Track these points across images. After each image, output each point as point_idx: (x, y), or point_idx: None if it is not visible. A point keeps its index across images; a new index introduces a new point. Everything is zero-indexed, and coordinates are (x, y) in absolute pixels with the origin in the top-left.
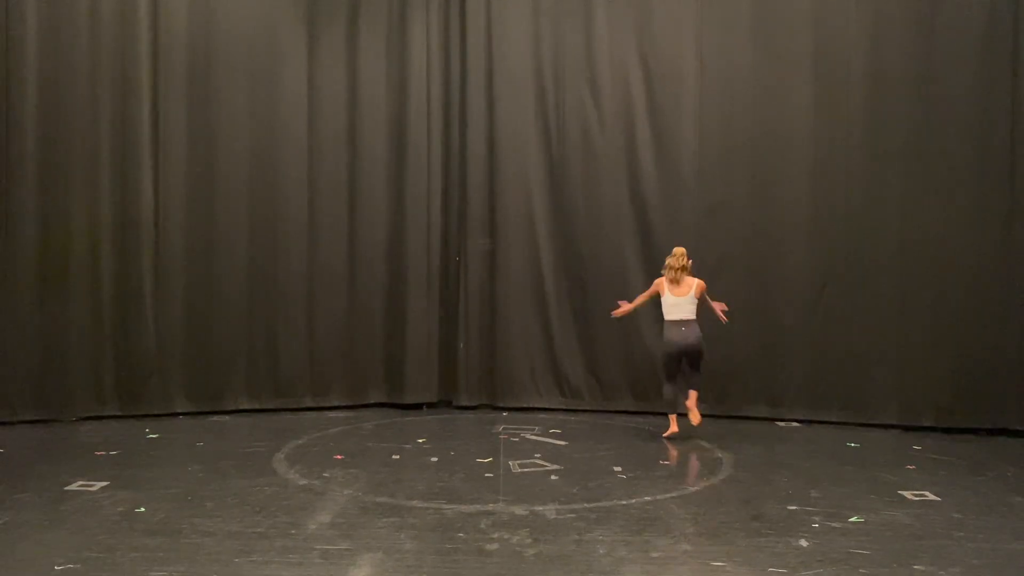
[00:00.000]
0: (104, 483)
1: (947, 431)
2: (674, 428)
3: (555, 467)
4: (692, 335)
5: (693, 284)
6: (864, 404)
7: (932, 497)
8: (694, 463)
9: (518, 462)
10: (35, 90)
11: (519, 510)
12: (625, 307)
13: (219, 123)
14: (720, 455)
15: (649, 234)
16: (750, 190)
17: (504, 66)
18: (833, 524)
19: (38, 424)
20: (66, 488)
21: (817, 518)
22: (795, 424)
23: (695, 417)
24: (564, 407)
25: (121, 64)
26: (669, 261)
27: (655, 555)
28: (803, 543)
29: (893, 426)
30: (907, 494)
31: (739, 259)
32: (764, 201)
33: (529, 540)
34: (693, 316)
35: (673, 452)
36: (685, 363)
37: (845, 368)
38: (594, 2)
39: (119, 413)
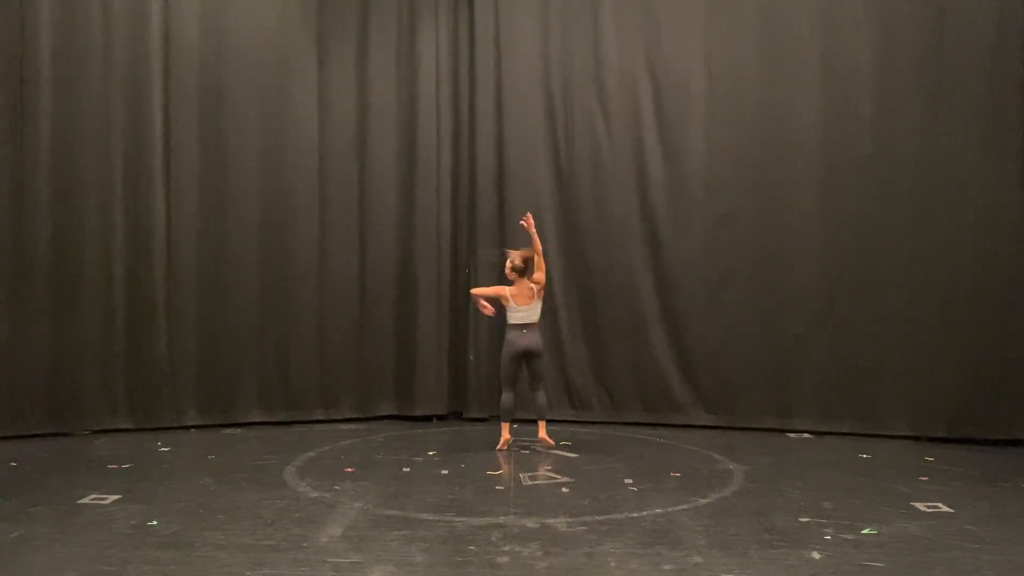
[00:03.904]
0: (116, 496)
1: (959, 442)
2: (507, 437)
3: (566, 479)
4: (533, 338)
5: (533, 289)
6: (875, 415)
7: (945, 508)
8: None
9: (528, 474)
10: (48, 107)
11: (530, 523)
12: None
13: (230, 138)
14: (731, 467)
15: (658, 245)
16: (759, 200)
17: (513, 79)
18: (846, 536)
19: (50, 437)
20: (79, 501)
21: (829, 530)
22: (806, 435)
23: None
24: (574, 419)
25: (133, 81)
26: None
27: (666, 568)
28: (815, 555)
29: (905, 437)
30: (920, 505)
31: (748, 269)
32: (773, 211)
33: (540, 553)
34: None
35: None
36: (526, 369)
37: (856, 378)
38: (602, 13)
39: (131, 426)
